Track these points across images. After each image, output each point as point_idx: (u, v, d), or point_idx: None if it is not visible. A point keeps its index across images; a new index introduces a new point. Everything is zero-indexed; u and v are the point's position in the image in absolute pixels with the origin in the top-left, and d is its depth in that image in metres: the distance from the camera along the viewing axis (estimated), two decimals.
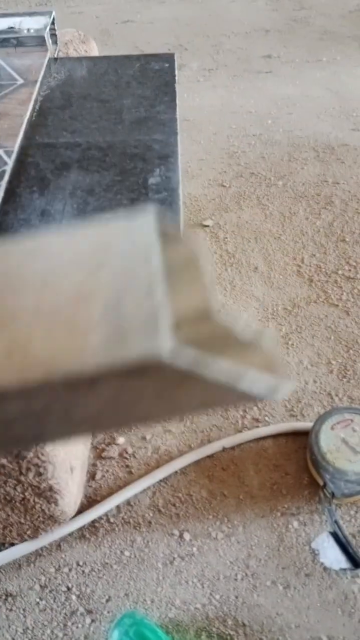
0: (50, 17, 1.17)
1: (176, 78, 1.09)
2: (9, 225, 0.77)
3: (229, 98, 2.07)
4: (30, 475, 0.81)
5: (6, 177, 0.84)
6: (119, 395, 0.31)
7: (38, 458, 0.80)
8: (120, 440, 1.08)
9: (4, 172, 0.85)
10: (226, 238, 1.51)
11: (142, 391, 0.31)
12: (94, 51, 1.40)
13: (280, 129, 1.90)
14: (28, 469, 0.80)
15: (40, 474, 0.82)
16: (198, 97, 2.08)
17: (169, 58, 1.15)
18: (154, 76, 1.09)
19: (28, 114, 0.96)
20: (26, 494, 0.87)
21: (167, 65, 1.12)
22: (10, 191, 0.83)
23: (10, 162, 0.86)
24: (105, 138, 0.92)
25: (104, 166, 0.86)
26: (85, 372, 0.29)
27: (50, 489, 0.89)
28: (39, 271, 0.32)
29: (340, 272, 1.39)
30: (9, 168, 0.85)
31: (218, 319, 0.31)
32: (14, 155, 0.88)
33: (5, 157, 0.87)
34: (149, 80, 1.07)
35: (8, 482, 0.82)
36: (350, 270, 1.39)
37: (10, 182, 0.84)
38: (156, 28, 2.59)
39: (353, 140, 1.82)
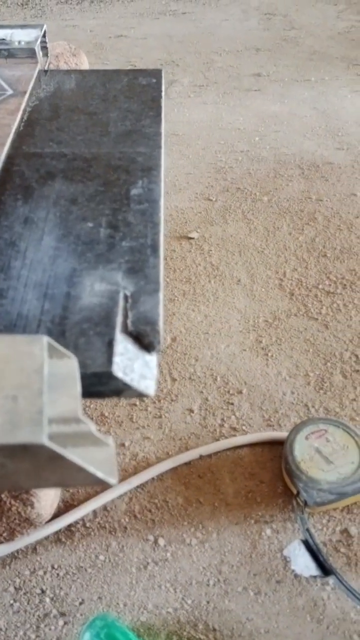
0: (41, 30, 1.20)
1: (163, 93, 1.12)
2: None
3: (218, 114, 2.11)
4: None
5: None
6: (4, 465, 0.42)
7: None
8: None
9: None
10: (211, 251, 1.54)
11: (20, 465, 0.42)
12: (85, 64, 1.43)
13: (267, 146, 1.94)
14: None
15: None
16: (188, 113, 2.11)
17: (156, 73, 1.18)
18: (141, 91, 1.12)
19: (16, 123, 0.99)
20: (2, 495, 0.89)
21: (154, 80, 1.15)
22: None
23: None
24: (90, 149, 0.94)
25: (88, 177, 0.89)
26: None
27: (27, 491, 0.90)
28: None
29: (320, 286, 1.42)
30: None
31: (81, 422, 0.44)
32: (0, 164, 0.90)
33: None
34: (136, 94, 1.10)
35: None
36: (330, 285, 1.42)
37: None
38: (149, 44, 2.64)
39: (337, 159, 1.87)
